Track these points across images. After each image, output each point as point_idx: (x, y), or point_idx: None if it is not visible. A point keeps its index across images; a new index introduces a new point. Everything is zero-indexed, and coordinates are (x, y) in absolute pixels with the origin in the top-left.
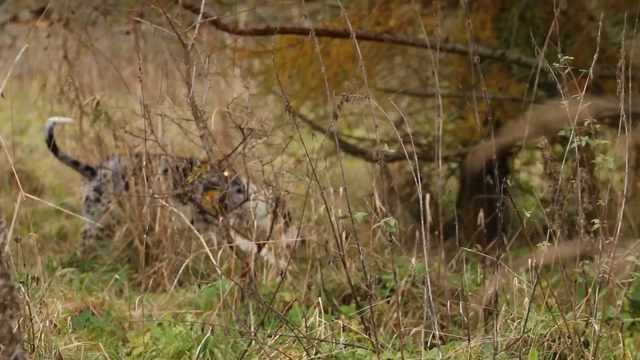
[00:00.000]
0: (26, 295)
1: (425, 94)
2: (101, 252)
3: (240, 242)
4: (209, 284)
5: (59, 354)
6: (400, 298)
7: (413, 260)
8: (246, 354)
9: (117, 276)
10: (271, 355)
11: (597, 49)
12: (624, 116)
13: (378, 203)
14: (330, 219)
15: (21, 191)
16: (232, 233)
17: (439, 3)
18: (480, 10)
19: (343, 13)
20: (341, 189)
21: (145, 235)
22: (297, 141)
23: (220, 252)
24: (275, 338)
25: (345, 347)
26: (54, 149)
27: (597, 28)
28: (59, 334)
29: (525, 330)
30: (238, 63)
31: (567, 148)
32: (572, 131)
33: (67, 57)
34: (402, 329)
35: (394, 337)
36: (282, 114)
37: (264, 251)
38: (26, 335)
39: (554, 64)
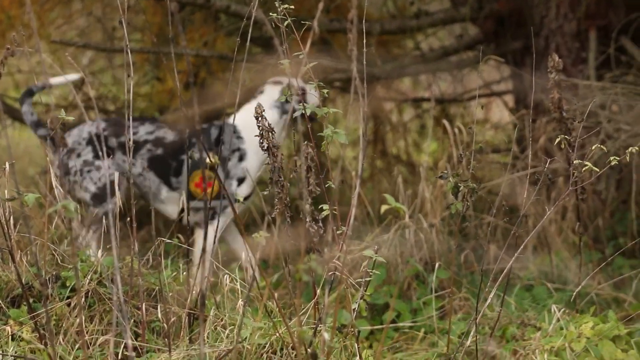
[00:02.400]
0: None
1: (112, 49)
2: None
3: None
4: None
5: None
6: (83, 300)
7: (99, 253)
8: None
9: None
10: None
11: None
12: (358, 79)
13: (54, 182)
14: None
15: None
16: None
17: None
18: None
19: None
20: (7, 165)
21: None
22: None
23: None
24: None
25: None
26: None
27: None
28: None
29: (239, 339)
30: None
31: (288, 117)
32: (294, 97)
33: None
34: (86, 338)
35: (77, 347)
36: None
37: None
38: None
39: (271, 14)
